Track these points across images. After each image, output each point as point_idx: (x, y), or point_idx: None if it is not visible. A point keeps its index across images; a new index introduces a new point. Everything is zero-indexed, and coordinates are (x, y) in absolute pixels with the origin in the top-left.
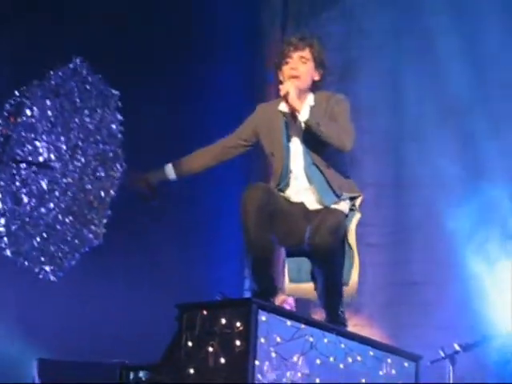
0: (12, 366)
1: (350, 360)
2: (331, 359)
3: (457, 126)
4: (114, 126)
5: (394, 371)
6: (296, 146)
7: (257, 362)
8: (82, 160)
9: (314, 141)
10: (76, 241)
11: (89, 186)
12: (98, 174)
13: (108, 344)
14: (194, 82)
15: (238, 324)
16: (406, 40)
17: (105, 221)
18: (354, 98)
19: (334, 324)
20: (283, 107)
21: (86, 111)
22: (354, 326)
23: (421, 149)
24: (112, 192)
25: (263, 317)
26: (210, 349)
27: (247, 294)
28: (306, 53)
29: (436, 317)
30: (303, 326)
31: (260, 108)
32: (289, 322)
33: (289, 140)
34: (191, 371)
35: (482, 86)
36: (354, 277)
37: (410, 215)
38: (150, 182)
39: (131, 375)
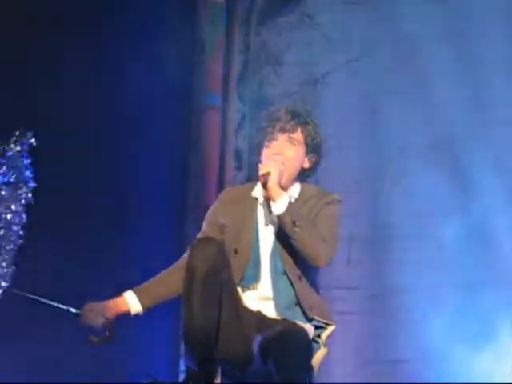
0: None
1: None
2: None
3: (447, 160)
4: None
5: None
6: (267, 246)
7: None
8: None
9: (288, 240)
10: None
11: None
12: None
13: None
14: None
15: None
16: (383, 53)
17: None
18: (321, 127)
19: None
20: (257, 192)
21: None
22: None
23: (404, 190)
24: None
25: None
26: None
27: (182, 377)
28: (297, 134)
29: None
30: None
31: (226, 194)
32: None
33: (259, 237)
34: None
35: (478, 110)
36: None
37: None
38: (110, 316)
39: None
